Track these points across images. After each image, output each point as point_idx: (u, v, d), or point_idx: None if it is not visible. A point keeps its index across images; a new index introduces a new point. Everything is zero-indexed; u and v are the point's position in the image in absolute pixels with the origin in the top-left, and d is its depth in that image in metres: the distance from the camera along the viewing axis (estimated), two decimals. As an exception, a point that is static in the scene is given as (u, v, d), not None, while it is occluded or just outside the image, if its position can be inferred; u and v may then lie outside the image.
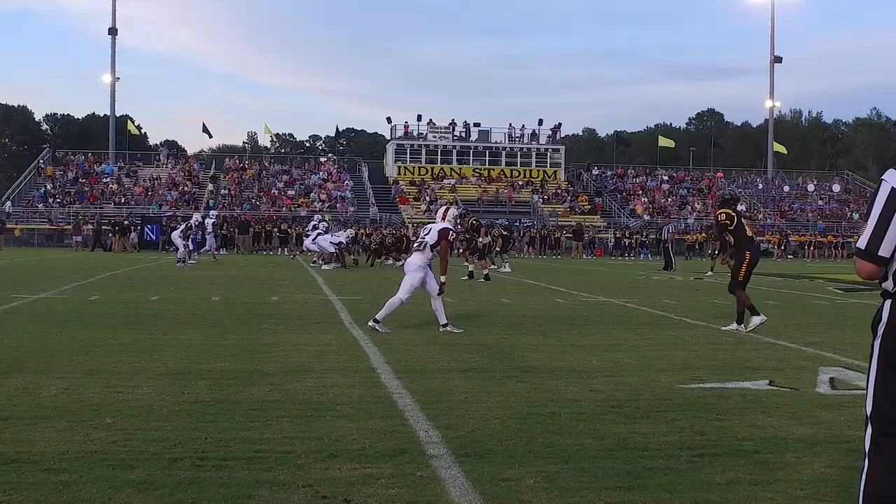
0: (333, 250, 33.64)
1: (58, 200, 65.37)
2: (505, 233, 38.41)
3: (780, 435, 6.83)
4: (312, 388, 8.40)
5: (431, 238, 13.29)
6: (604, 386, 8.77)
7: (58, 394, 7.90)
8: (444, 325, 13.20)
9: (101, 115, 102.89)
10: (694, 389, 8.71)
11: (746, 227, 14.04)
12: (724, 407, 7.81)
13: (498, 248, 34.39)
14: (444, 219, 13.64)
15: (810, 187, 79.44)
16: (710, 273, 33.13)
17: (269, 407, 7.49)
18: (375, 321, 13.09)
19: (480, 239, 28.38)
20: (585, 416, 7.33)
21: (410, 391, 8.24)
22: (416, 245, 13.82)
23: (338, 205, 66.97)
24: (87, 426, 6.65)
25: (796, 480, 5.64)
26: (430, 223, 14.22)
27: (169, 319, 14.11)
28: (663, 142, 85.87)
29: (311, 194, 69.35)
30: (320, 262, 34.18)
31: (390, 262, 34.79)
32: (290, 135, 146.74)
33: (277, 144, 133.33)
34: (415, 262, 13.38)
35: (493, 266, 33.65)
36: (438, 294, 13.19)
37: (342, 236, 35.40)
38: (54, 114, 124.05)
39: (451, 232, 13.53)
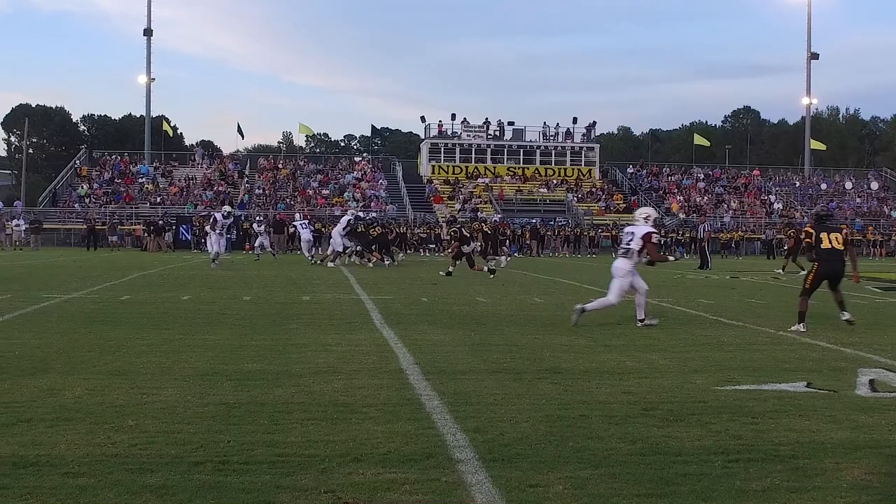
0: (339, 249, 33.91)
1: (94, 200, 65.75)
2: (487, 230, 38.37)
3: (818, 439, 6.64)
4: (340, 389, 8.28)
5: (636, 244, 13.80)
6: (637, 388, 8.59)
7: (82, 395, 7.82)
8: (642, 320, 13.89)
9: (137, 115, 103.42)
10: (729, 392, 8.52)
11: (832, 240, 14.01)
12: (761, 410, 7.62)
13: (480, 246, 34.36)
14: (646, 222, 14.11)
15: (848, 185, 78.55)
16: (779, 271, 32.69)
17: (295, 409, 7.38)
18: (583, 310, 13.91)
19: (465, 248, 28.19)
20: (617, 420, 7.16)
21: (439, 393, 8.10)
22: (620, 252, 14.36)
23: (372, 203, 66.93)
24: (109, 428, 6.57)
25: (836, 487, 5.46)
26: (629, 226, 14.52)
27: (199, 319, 14.05)
28: (699, 140, 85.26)
29: (346, 193, 69.37)
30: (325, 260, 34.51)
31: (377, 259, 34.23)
32: (325, 134, 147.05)
33: (312, 144, 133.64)
34: (623, 268, 13.93)
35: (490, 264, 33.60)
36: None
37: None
38: (91, 115, 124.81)
39: (653, 235, 13.96)
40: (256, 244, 40.70)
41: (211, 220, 33.87)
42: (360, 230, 34.71)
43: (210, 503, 4.98)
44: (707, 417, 7.31)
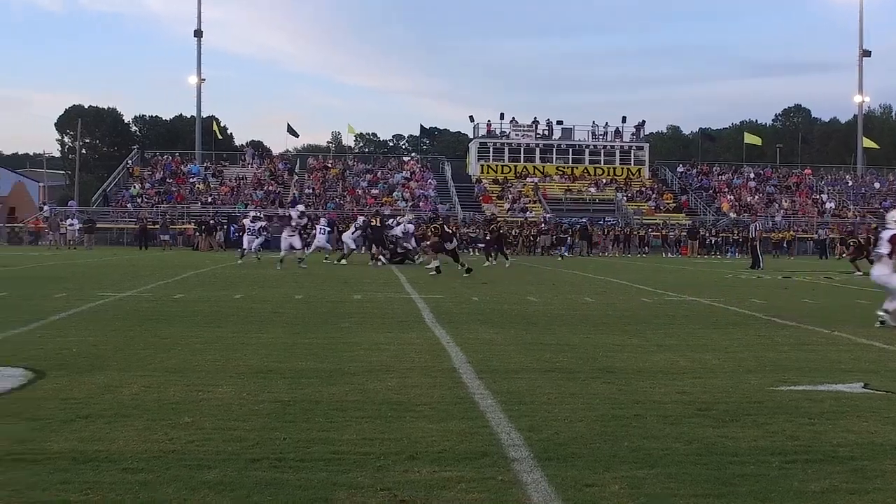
0: (353, 247, 34.49)
1: (146, 200, 66.42)
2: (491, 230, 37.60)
3: (877, 441, 6.56)
4: (393, 387, 8.30)
5: (885, 248, 13.85)
6: (691, 388, 8.54)
7: (139, 392, 7.91)
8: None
9: (188, 116, 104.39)
10: (784, 392, 8.43)
11: None
12: (817, 411, 7.54)
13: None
14: None
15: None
16: (858, 273, 32.05)
17: (349, 407, 7.40)
18: (885, 312, 13.84)
19: (448, 245, 28.06)
20: (672, 419, 7.12)
21: (492, 392, 8.09)
22: (874, 256, 14.72)
23: (421, 203, 67.05)
24: (166, 425, 6.63)
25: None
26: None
27: (251, 318, 14.14)
28: (749, 138, 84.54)
29: (395, 193, 69.54)
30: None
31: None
32: (374, 134, 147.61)
33: (361, 144, 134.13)
34: (884, 271, 13.86)
35: (487, 263, 33.47)
36: None
37: (398, 230, 35.44)
38: (143, 115, 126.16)
39: None
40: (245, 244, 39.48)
41: (286, 218, 34.13)
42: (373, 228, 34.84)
43: (267, 499, 5.01)
44: (763, 418, 7.24)
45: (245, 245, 33.56)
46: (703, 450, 6.22)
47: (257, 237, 33.97)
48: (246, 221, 34.24)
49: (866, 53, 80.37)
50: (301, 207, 33.52)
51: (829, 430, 6.81)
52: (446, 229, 29.31)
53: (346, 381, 8.57)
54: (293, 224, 31.05)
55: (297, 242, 30.54)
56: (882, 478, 5.62)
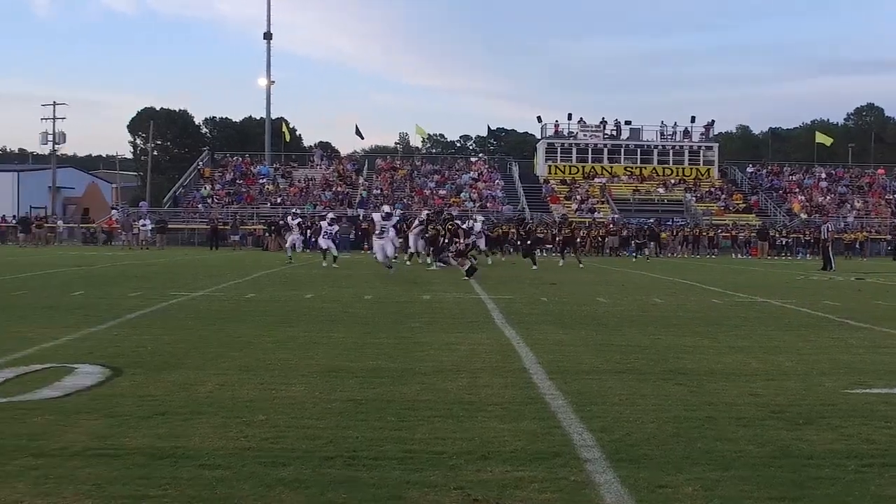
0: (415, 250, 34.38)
1: (217, 201, 67.20)
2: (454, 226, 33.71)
3: (957, 445, 6.46)
4: (464, 387, 8.33)
5: None
6: (764, 390, 8.46)
7: (214, 390, 8.02)
8: None
9: (258, 117, 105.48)
10: (860, 395, 8.33)
11: None
12: (894, 414, 7.44)
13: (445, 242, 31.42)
14: None
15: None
16: None
17: (421, 406, 7.44)
18: None
19: (459, 241, 27.58)
20: (745, 422, 7.06)
21: (563, 392, 8.09)
22: None
23: (488, 204, 67.07)
24: (241, 422, 6.72)
25: (977, 495, 5.32)
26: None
27: (322, 317, 14.25)
28: (820, 138, 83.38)
29: (462, 193, 69.64)
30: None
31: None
32: (441, 135, 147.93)
33: (429, 145, 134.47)
34: None
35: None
36: None
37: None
38: (213, 117, 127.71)
39: None
40: (288, 243, 37.88)
41: (368, 221, 33.89)
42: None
43: (342, 497, 5.06)
44: (837, 421, 7.15)
45: (386, 250, 30.84)
46: (778, 452, 6.17)
47: (300, 235, 33.63)
48: (323, 223, 33.81)
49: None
50: (387, 209, 30.93)
51: (906, 434, 6.72)
52: (461, 227, 28.97)
53: (418, 381, 8.61)
54: (379, 226, 28.41)
55: (390, 248, 28.08)
56: (962, 483, 5.54)
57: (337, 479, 5.37)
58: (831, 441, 6.51)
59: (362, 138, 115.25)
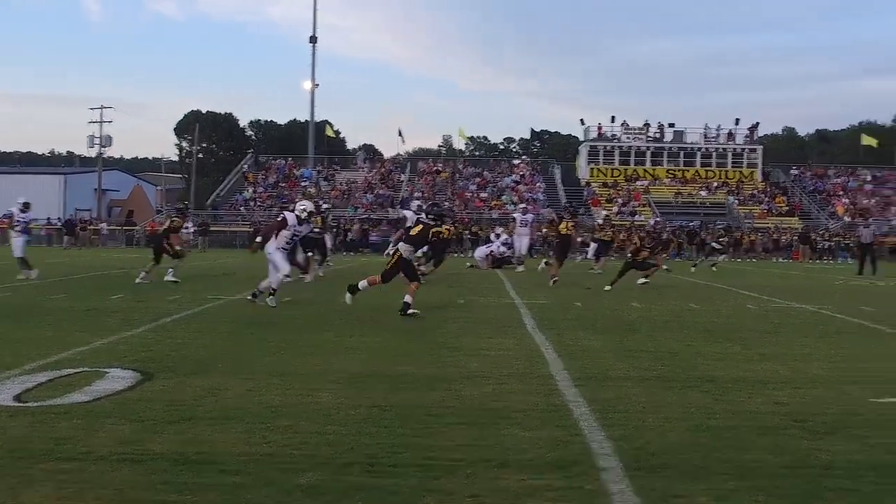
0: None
1: (259, 204, 67.65)
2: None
3: (982, 458, 6.43)
4: (489, 394, 8.38)
5: None
6: (789, 398, 8.44)
7: (242, 394, 8.12)
8: None
9: (302, 120, 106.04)
10: (888, 404, 8.30)
11: None
12: (920, 425, 7.42)
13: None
14: None
15: None
16: None
17: (444, 413, 7.50)
18: None
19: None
20: (767, 430, 7.07)
21: (587, 400, 8.10)
22: None
23: (530, 206, 67.00)
24: (265, 428, 6.81)
25: None
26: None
27: (354, 321, 14.30)
28: (866, 140, 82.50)
29: (503, 196, 69.64)
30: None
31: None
32: (485, 137, 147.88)
33: (472, 147, 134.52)
34: None
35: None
36: None
37: (495, 244, 34.97)
38: (258, 120, 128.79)
39: None
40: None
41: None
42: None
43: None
44: (861, 430, 7.13)
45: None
46: (796, 462, 6.18)
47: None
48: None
49: None
50: (418, 202, 28.96)
51: (930, 446, 6.69)
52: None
53: (444, 387, 8.65)
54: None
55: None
56: (980, 495, 5.53)
57: (354, 486, 5.45)
58: (853, 451, 6.50)
59: (403, 142, 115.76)
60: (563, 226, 26.25)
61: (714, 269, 35.93)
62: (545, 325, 14.12)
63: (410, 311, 15.12)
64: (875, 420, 7.57)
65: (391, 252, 18.69)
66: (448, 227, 18.46)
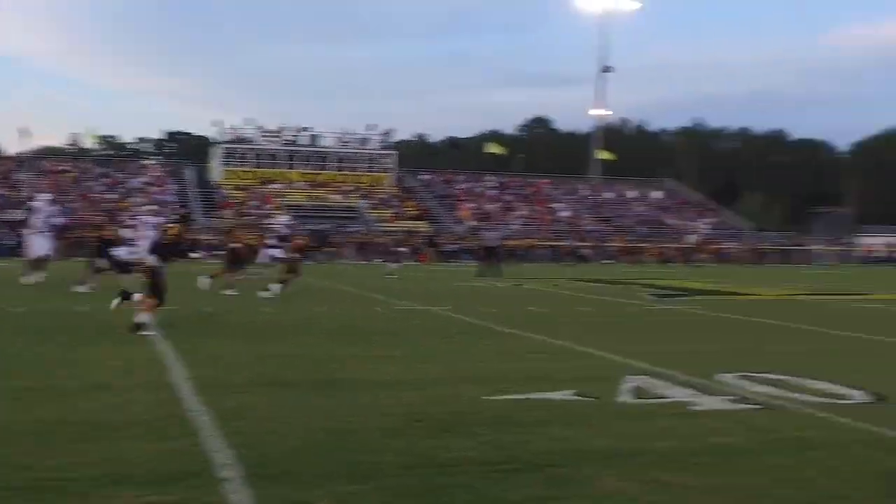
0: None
1: None
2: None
3: (579, 447, 6.88)
4: (110, 406, 8.01)
5: None
6: (412, 398, 8.69)
7: None
8: None
9: None
10: (499, 401, 8.68)
11: None
12: (527, 419, 7.83)
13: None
14: None
15: (631, 194, 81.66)
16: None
17: (58, 429, 7.07)
18: None
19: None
20: (390, 432, 7.23)
21: (210, 408, 7.94)
22: None
23: (159, 209, 65.40)
24: None
25: (590, 496, 5.68)
26: None
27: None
28: (492, 147, 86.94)
29: (132, 198, 67.60)
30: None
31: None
32: (114, 137, 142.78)
33: (104, 147, 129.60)
34: None
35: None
36: None
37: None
38: None
39: None
40: None
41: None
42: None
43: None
44: (476, 428, 7.42)
45: None
46: (415, 462, 6.34)
47: None
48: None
49: (607, 69, 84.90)
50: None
51: (534, 439, 7.07)
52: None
53: (58, 401, 8.20)
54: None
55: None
56: (579, 484, 5.90)
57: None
58: (467, 448, 6.75)
59: (29, 138, 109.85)
60: (174, 229, 23.76)
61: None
62: (171, 332, 13.69)
63: None
64: (487, 417, 7.90)
65: None
66: None
